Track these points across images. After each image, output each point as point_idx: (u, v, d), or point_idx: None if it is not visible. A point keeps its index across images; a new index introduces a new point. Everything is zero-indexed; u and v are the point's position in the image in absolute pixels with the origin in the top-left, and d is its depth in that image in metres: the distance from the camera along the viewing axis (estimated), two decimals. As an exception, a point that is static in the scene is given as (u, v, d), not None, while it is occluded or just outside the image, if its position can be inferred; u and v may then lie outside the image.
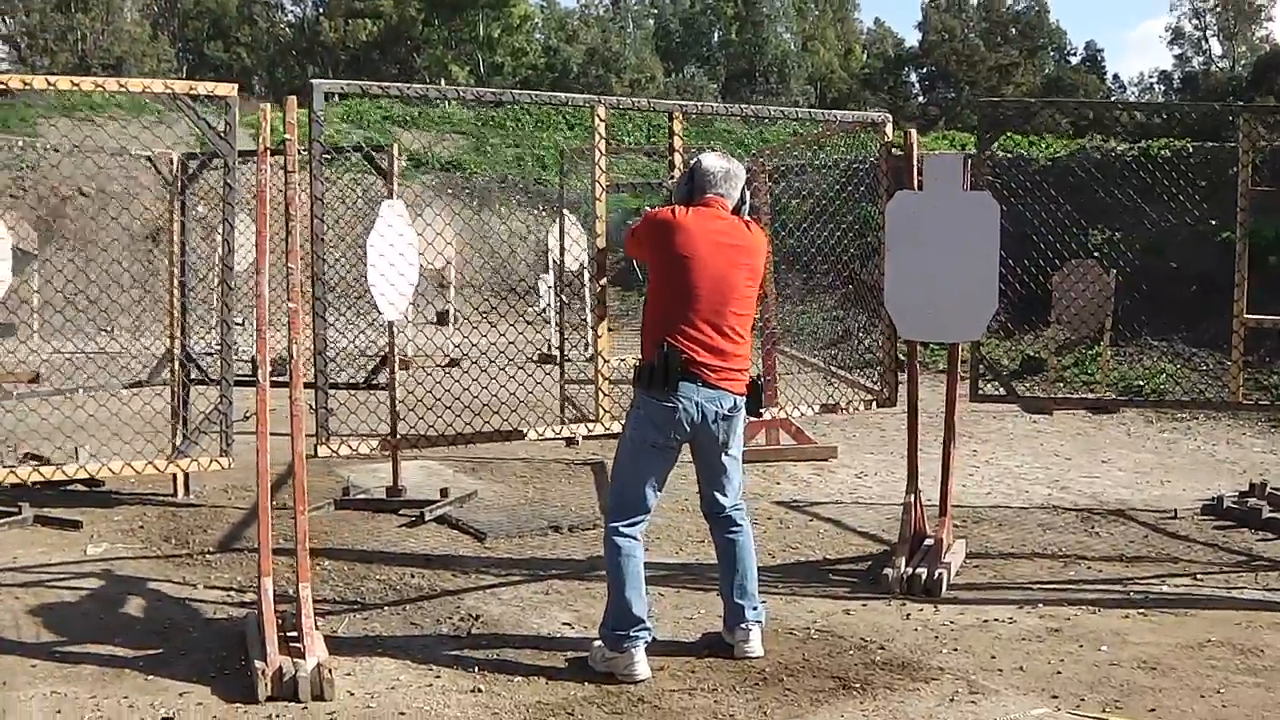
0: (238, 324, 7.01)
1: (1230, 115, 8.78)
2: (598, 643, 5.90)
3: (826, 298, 17.67)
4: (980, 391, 7.61)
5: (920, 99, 74.37)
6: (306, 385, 6.02)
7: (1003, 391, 7.70)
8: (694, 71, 73.05)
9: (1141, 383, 14.88)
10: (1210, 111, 21.40)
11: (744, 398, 5.97)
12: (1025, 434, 12.70)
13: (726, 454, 6.05)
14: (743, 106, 8.02)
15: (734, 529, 6.16)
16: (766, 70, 72.53)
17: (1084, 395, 13.95)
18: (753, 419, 6.43)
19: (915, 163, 7.51)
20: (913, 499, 7.56)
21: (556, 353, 13.25)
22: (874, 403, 8.04)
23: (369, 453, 6.74)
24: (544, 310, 19.81)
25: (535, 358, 13.86)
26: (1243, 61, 68.08)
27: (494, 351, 7.71)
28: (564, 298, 12.93)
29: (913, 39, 79.61)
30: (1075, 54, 77.86)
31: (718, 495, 6.13)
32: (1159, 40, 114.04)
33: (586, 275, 18.06)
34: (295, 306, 5.84)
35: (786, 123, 29.19)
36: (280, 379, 6.23)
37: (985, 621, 6.61)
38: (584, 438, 10.56)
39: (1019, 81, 67.62)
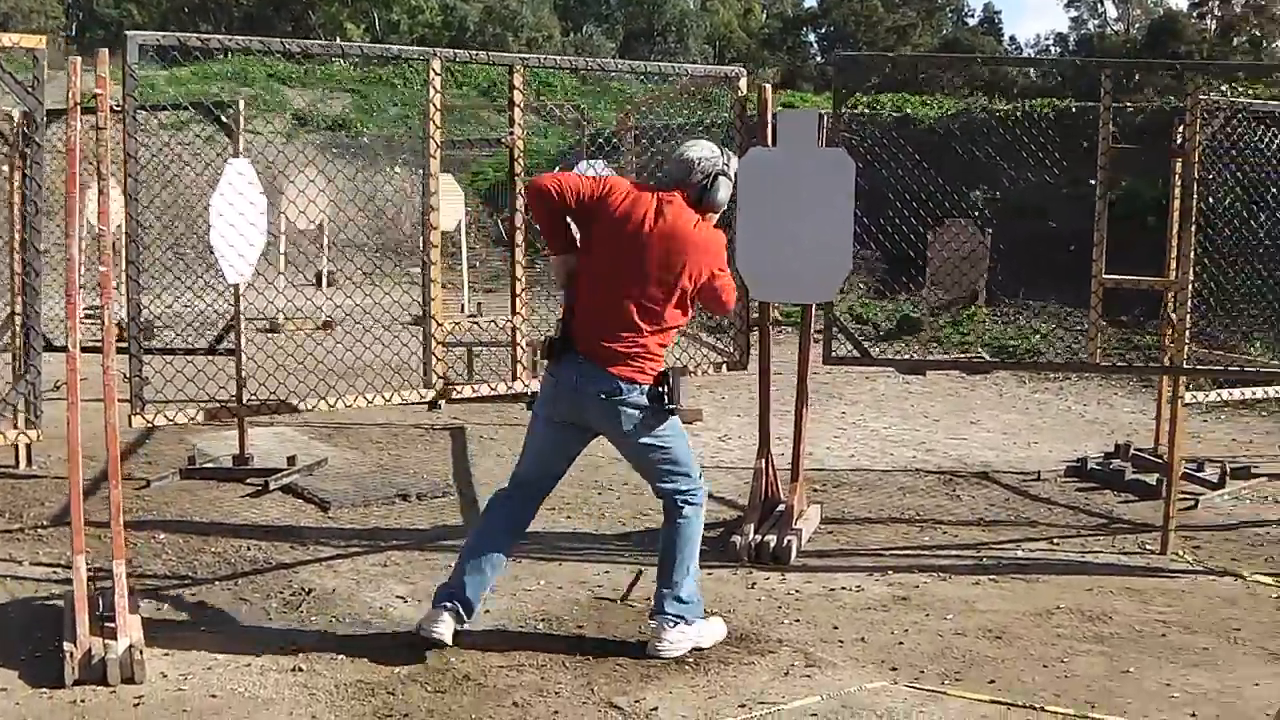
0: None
1: (1098, 72, 8.67)
2: None
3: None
4: (834, 353, 7.45)
5: (819, 59, 74.32)
6: (120, 351, 5.72)
7: (857, 353, 7.54)
8: (592, 30, 72.43)
9: (1015, 343, 14.86)
10: (1071, 66, 21.44)
11: (633, 384, 5.52)
12: (896, 395, 12.61)
13: (628, 441, 5.68)
14: (589, 60, 7.82)
15: (668, 515, 5.78)
16: (665, 29, 72.12)
17: (940, 357, 13.91)
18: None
19: (770, 119, 7.32)
20: (764, 464, 7.40)
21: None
22: (724, 365, 7.87)
23: (186, 422, 6.46)
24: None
25: (408, 320, 13.52)
26: (1137, 25, 68.59)
27: (367, 313, 7.52)
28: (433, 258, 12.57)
29: (812, -1, 79.47)
30: (973, 15, 78.09)
31: (650, 483, 5.82)
32: (1056, 3, 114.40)
33: (464, 235, 17.85)
34: (106, 270, 5.55)
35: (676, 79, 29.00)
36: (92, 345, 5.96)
37: (832, 590, 6.48)
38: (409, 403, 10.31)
39: (916, 42, 67.56)
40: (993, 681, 5.32)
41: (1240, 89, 17.83)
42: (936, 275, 13.61)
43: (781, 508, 7.36)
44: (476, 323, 9.43)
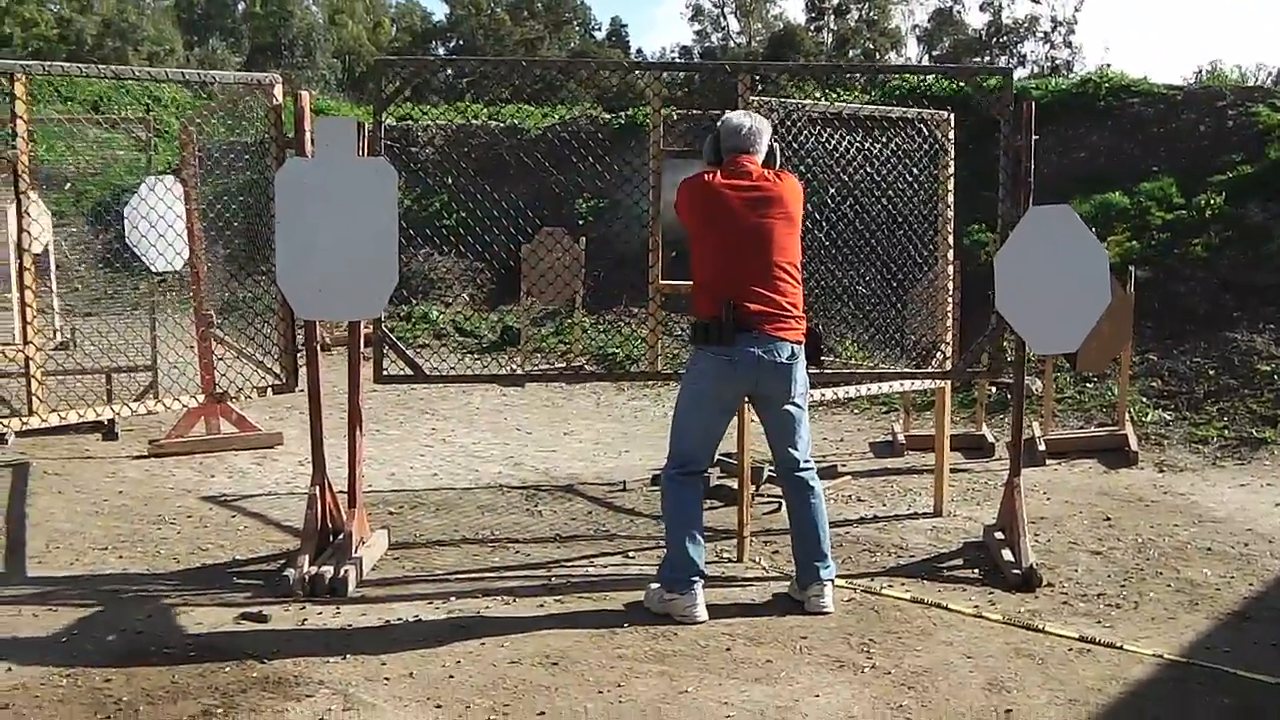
0: None
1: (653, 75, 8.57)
2: (654, 585, 6.24)
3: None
4: (385, 371, 7.08)
5: (448, 73, 74.12)
6: None
7: (409, 370, 7.17)
8: (218, 45, 70.50)
9: (616, 350, 14.78)
10: (619, 67, 21.73)
11: (801, 345, 6.18)
12: (492, 409, 12.32)
13: (791, 403, 6.23)
14: (101, 67, 7.20)
15: (807, 491, 6.37)
16: (292, 43, 70.77)
17: (544, 368, 13.77)
18: (813, 368, 6.53)
19: (307, 128, 6.88)
20: (318, 491, 6.92)
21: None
22: (269, 389, 7.41)
23: None
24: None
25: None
26: (758, 38, 70.68)
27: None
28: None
29: (441, 13, 79.27)
30: (600, 29, 79.24)
31: (791, 450, 6.31)
32: (681, 18, 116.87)
33: (52, 258, 16.77)
34: None
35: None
36: None
37: (387, 623, 6.07)
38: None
39: (545, 53, 68.20)
40: (543, 713, 5.02)
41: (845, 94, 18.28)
42: (533, 285, 13.38)
43: (342, 536, 6.93)
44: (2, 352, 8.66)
